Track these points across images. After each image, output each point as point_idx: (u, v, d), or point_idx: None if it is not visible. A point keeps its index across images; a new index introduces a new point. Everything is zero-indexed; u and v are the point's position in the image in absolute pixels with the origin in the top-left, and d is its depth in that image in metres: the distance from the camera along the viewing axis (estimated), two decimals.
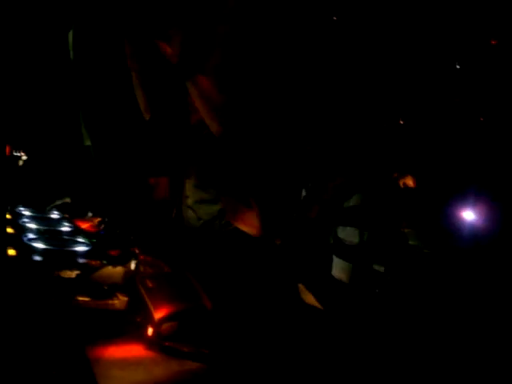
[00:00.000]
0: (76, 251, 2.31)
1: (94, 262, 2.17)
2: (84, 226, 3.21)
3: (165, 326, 2.08)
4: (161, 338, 2.05)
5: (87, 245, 2.44)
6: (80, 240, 2.52)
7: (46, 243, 2.30)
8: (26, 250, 2.19)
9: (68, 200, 3.78)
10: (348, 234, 1.96)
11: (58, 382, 1.80)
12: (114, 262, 2.22)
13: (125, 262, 2.36)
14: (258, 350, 1.99)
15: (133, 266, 2.47)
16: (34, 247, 2.23)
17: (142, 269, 2.58)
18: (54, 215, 3.17)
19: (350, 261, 1.88)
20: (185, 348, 2.01)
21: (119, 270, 2.20)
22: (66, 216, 3.25)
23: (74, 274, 2.07)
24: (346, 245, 1.93)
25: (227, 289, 2.38)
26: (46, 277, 2.06)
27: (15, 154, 4.57)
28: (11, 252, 2.12)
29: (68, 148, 4.61)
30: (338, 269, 1.87)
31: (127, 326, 2.12)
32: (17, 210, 3.10)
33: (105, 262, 2.17)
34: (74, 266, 2.11)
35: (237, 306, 2.28)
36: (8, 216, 2.92)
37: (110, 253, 2.63)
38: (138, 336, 2.09)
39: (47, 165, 4.43)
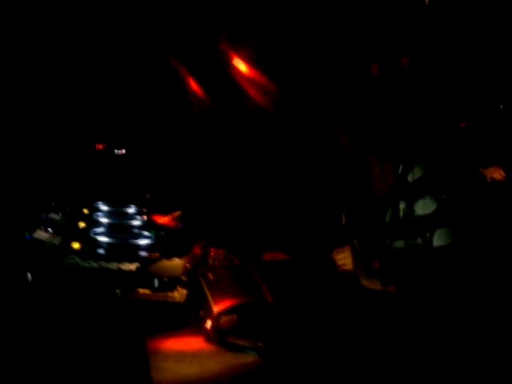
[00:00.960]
0: (138, 244, 2.36)
1: (154, 255, 2.20)
2: (162, 220, 3.27)
3: (224, 320, 2.07)
4: (219, 332, 2.05)
5: (151, 238, 2.49)
6: (145, 234, 2.57)
7: (110, 237, 2.36)
8: (91, 243, 2.26)
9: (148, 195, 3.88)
10: (420, 207, 1.89)
11: (117, 371, 1.84)
12: (177, 255, 2.24)
13: (187, 255, 2.38)
14: (315, 347, 1.94)
15: (193, 258, 2.49)
16: (98, 241, 2.30)
17: (210, 261, 2.60)
18: (130, 210, 3.25)
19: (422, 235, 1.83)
20: (241, 342, 2.00)
21: (180, 262, 2.22)
22: (143, 210, 3.32)
23: (134, 266, 2.11)
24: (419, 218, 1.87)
25: (289, 283, 2.35)
26: (107, 270, 2.10)
27: (116, 151, 4.73)
28: (76, 245, 2.19)
29: (155, 145, 4.75)
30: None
31: (187, 319, 2.14)
32: (95, 205, 3.20)
33: (163, 255, 2.19)
34: (134, 258, 2.15)
35: (298, 301, 2.24)
36: (85, 211, 3.03)
37: (179, 245, 2.67)
38: (197, 329, 2.10)
39: (137, 161, 4.58)
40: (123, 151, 4.74)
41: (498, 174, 3.28)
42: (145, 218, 3.13)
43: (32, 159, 3.97)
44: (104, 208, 3.20)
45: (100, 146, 4.69)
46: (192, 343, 2.04)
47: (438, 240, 1.96)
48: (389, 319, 2.02)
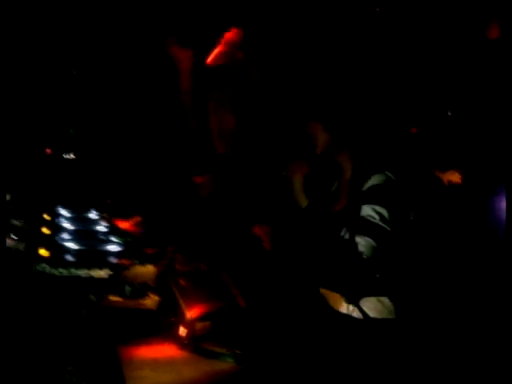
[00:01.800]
0: (108, 251, 2.32)
1: (125, 262, 2.17)
2: (123, 225, 3.22)
3: (197, 326, 2.07)
4: (193, 338, 2.04)
5: (120, 244, 2.45)
6: (113, 240, 2.53)
7: (78, 243, 2.31)
8: (59, 250, 2.21)
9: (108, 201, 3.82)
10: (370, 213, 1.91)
11: (89, 382, 1.81)
12: (147, 261, 2.21)
13: (157, 261, 2.36)
14: (289, 351, 1.95)
15: (165, 264, 2.47)
16: (66, 247, 2.25)
17: (177, 267, 2.58)
18: (92, 215, 3.19)
19: (373, 237, 1.83)
20: (217, 348, 1.99)
21: (151, 269, 2.20)
22: (105, 216, 3.27)
23: (105, 273, 2.07)
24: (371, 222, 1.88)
25: (262, 288, 2.35)
26: (77, 277, 2.06)
27: (65, 156, 4.63)
28: (44, 252, 2.14)
29: (112, 148, 4.67)
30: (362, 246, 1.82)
31: (159, 326, 2.12)
32: (55, 210, 3.13)
33: (137, 261, 2.16)
34: (105, 265, 2.11)
35: (271, 306, 2.24)
36: (46, 217, 2.96)
37: (146, 251, 2.64)
38: (170, 336, 2.08)
39: (91, 165, 4.50)
40: (72, 155, 4.65)
41: (455, 177, 3.38)
42: (107, 223, 3.08)
43: None
44: (65, 213, 3.13)
45: (48, 151, 4.59)
46: (166, 350, 2.02)
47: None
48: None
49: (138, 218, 3.41)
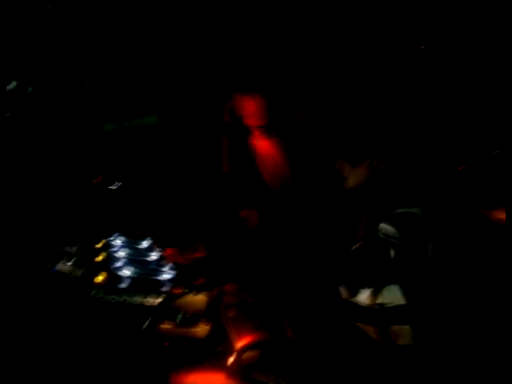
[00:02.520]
0: (160, 279, 2.39)
1: (176, 290, 2.23)
2: (172, 255, 3.29)
3: (246, 356, 2.09)
4: (241, 367, 2.07)
5: (172, 273, 2.52)
6: (165, 269, 2.60)
7: (132, 271, 2.39)
8: (113, 277, 2.29)
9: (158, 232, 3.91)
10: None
11: None
12: (197, 290, 2.27)
13: (208, 290, 2.41)
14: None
15: (216, 294, 2.52)
16: (120, 275, 2.33)
17: (225, 298, 2.62)
18: (144, 244, 3.28)
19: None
20: (264, 378, 2.02)
21: (202, 297, 2.25)
22: (156, 245, 3.35)
23: (156, 301, 2.14)
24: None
25: (309, 318, 2.38)
26: (130, 304, 2.13)
27: (115, 186, 4.75)
28: (99, 279, 2.22)
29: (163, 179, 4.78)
30: None
31: (209, 354, 2.15)
32: (109, 238, 3.23)
33: (188, 290, 2.22)
34: (157, 293, 2.18)
35: (318, 336, 2.27)
36: (100, 244, 3.06)
37: (196, 282, 2.70)
38: (219, 364, 2.11)
39: (142, 194, 4.60)
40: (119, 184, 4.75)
41: (504, 215, 3.36)
42: (159, 252, 3.15)
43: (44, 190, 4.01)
44: (119, 242, 3.23)
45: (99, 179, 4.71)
46: (214, 379, 2.06)
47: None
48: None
49: (188, 248, 3.47)
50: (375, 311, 2.15)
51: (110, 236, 3.31)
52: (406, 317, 2.08)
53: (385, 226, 2.04)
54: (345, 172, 2.18)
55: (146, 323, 1.99)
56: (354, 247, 2.08)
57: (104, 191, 4.64)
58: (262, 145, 3.64)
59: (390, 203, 2.11)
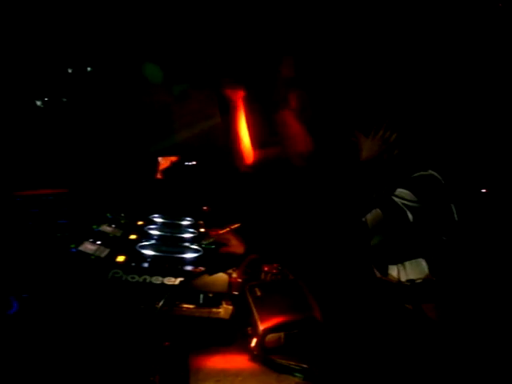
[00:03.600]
0: (186, 258, 2.34)
1: (198, 270, 2.17)
2: (215, 233, 3.25)
3: (269, 338, 2.02)
4: (264, 350, 1.99)
5: (198, 251, 2.46)
6: (193, 247, 2.55)
7: (156, 250, 2.35)
8: (135, 256, 2.25)
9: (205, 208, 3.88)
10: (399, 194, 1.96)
11: None
12: (223, 269, 2.20)
13: (234, 269, 2.34)
14: (364, 372, 1.86)
15: (249, 272, 2.45)
16: (142, 254, 2.29)
17: (262, 276, 2.55)
18: (186, 222, 3.25)
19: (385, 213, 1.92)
20: (287, 362, 1.93)
21: (224, 277, 2.18)
22: (200, 223, 3.32)
23: (178, 281, 2.08)
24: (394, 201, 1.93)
25: (341, 302, 2.27)
26: (150, 284, 2.09)
27: (187, 163, 4.79)
28: (120, 258, 2.19)
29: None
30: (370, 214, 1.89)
31: (231, 336, 2.09)
32: (150, 217, 3.23)
33: (212, 269, 2.16)
34: (180, 273, 2.12)
35: (350, 321, 2.16)
36: (140, 223, 3.05)
37: (228, 259, 2.64)
38: (241, 347, 2.05)
39: (192, 172, 4.61)
40: (193, 162, 4.78)
41: None
42: (200, 230, 3.12)
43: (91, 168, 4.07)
44: (159, 220, 3.22)
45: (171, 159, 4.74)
46: (236, 362, 1.99)
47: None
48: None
49: (235, 226, 3.42)
50: (407, 288, 2.06)
51: (151, 214, 3.31)
52: (434, 292, 1.98)
53: (401, 191, 1.97)
54: (360, 143, 2.11)
55: (162, 302, 1.94)
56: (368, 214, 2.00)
57: (159, 168, 4.68)
58: (284, 119, 3.62)
59: (405, 170, 2.04)
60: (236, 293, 2.25)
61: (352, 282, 2.44)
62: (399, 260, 2.02)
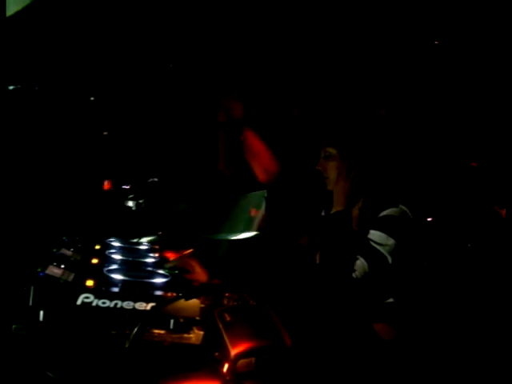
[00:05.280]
0: (154, 283, 2.35)
1: (170, 294, 2.19)
2: (173, 258, 3.27)
3: (241, 363, 2.05)
4: (236, 376, 2.02)
5: (167, 277, 2.48)
6: (160, 272, 2.57)
7: (124, 275, 2.36)
8: (105, 281, 2.26)
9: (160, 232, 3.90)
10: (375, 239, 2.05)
11: None
12: (192, 295, 2.23)
13: (204, 295, 2.37)
14: None
15: (212, 298, 2.48)
16: (112, 279, 2.30)
17: (225, 301, 2.59)
18: (143, 246, 3.26)
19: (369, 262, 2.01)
20: None
21: (196, 302, 2.21)
22: (156, 247, 3.33)
23: (149, 306, 2.10)
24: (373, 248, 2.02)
25: (309, 325, 2.33)
26: (121, 309, 2.10)
27: (123, 186, 4.78)
28: (90, 283, 2.19)
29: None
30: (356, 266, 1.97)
31: (203, 362, 2.12)
32: (107, 240, 3.22)
33: (180, 294, 2.18)
34: (150, 298, 2.14)
35: (318, 345, 2.22)
36: (97, 246, 3.04)
37: (193, 285, 2.67)
38: (213, 372, 2.08)
39: (146, 196, 4.61)
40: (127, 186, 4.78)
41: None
42: (157, 255, 3.13)
43: (44, 191, 4.01)
44: (116, 244, 3.21)
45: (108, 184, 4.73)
46: None
47: None
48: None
49: (189, 251, 3.45)
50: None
51: (108, 238, 3.30)
52: (395, 314, 2.08)
53: (374, 234, 2.04)
54: (326, 169, 2.21)
55: (135, 329, 1.95)
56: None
57: (111, 192, 4.66)
58: (252, 142, 3.70)
59: (374, 205, 2.12)
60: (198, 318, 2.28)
61: (319, 307, 2.51)
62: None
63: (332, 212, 2.30)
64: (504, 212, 3.26)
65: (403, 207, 2.13)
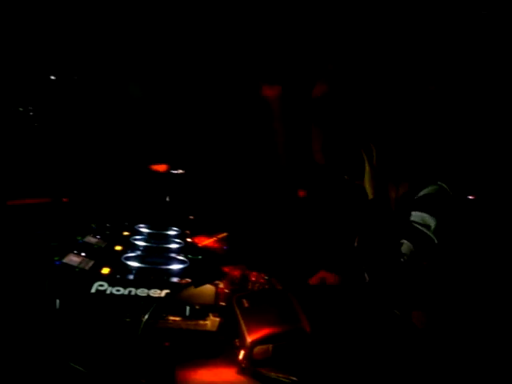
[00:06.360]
0: (171, 270, 2.34)
1: (184, 281, 2.17)
2: (205, 242, 3.26)
3: (257, 350, 2.02)
4: (252, 363, 2.00)
5: (185, 263, 2.47)
6: (180, 258, 2.56)
7: (142, 262, 2.35)
8: (120, 268, 2.26)
9: (191, 217, 3.90)
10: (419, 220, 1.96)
11: None
12: (210, 281, 2.21)
13: (221, 280, 2.35)
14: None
15: (236, 283, 2.46)
16: (128, 266, 2.30)
17: (249, 285, 2.56)
18: (172, 232, 3.26)
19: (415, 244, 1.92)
20: (275, 374, 1.94)
21: (212, 288, 2.19)
22: (187, 232, 3.33)
23: (163, 293, 2.09)
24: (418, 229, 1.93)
25: (330, 313, 2.29)
26: (136, 297, 2.09)
27: (174, 171, 4.80)
28: (105, 270, 2.19)
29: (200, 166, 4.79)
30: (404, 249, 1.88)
31: (219, 349, 2.10)
32: (136, 227, 3.23)
33: (199, 280, 2.16)
34: (166, 284, 2.13)
35: (338, 332, 2.17)
36: (126, 233, 3.05)
37: (223, 269, 2.65)
38: (229, 359, 2.06)
39: (176, 182, 4.62)
40: (180, 171, 4.79)
41: None
42: (186, 240, 3.12)
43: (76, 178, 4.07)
44: (145, 230, 3.22)
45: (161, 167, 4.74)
46: (224, 374, 2.00)
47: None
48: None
49: (223, 235, 3.43)
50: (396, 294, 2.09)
51: (137, 225, 3.31)
52: (423, 301, 2.01)
53: (415, 214, 1.97)
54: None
55: (147, 315, 1.94)
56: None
57: (144, 177, 4.68)
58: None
59: (412, 186, 2.05)
60: (223, 304, 2.26)
61: (341, 291, 2.46)
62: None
63: (367, 201, 2.24)
64: None
65: (442, 184, 2.05)
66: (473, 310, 2.23)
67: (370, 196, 2.19)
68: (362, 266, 2.41)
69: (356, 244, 2.48)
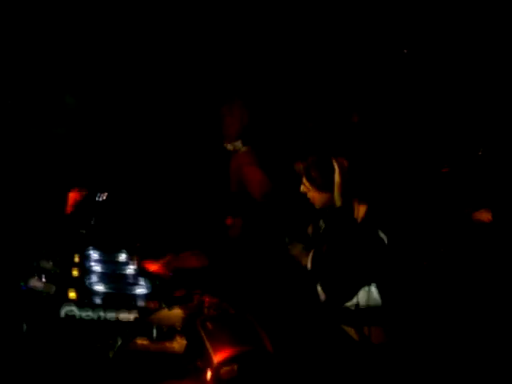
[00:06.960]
0: (136, 294, 2.40)
1: (152, 305, 2.24)
2: (153, 267, 3.30)
3: (224, 370, 2.10)
4: (219, 382, 2.07)
5: (148, 287, 2.53)
6: (141, 282, 2.61)
7: (107, 286, 2.40)
8: (87, 292, 2.30)
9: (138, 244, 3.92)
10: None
11: None
12: (174, 304, 2.28)
13: (186, 303, 2.42)
14: None
15: (194, 307, 2.53)
16: (94, 290, 2.34)
17: (205, 311, 2.64)
18: (122, 257, 3.29)
19: None
20: None
21: (178, 311, 2.26)
22: (135, 258, 3.36)
23: (132, 316, 2.15)
24: None
25: (291, 332, 2.39)
26: (105, 320, 2.14)
27: (97, 197, 4.76)
28: (72, 295, 2.23)
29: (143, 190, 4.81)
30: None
31: (186, 370, 2.16)
32: (85, 252, 3.24)
33: (164, 304, 2.23)
34: (133, 308, 2.19)
35: (300, 350, 2.28)
36: (76, 258, 3.07)
37: (174, 294, 2.71)
38: (197, 380, 2.12)
39: (122, 207, 4.62)
40: (104, 196, 4.77)
41: (485, 216, 3.47)
42: (136, 265, 3.16)
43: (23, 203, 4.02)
44: (95, 255, 3.24)
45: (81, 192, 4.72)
46: None
47: None
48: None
49: (167, 260, 3.48)
50: (352, 312, 2.21)
51: (86, 250, 3.32)
52: (381, 317, 2.14)
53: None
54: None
55: (120, 340, 2.00)
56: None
57: (87, 203, 4.66)
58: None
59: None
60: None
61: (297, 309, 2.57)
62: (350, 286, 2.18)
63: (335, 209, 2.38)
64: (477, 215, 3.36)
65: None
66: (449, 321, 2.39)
67: (338, 204, 2.32)
68: (317, 281, 2.52)
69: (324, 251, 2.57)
